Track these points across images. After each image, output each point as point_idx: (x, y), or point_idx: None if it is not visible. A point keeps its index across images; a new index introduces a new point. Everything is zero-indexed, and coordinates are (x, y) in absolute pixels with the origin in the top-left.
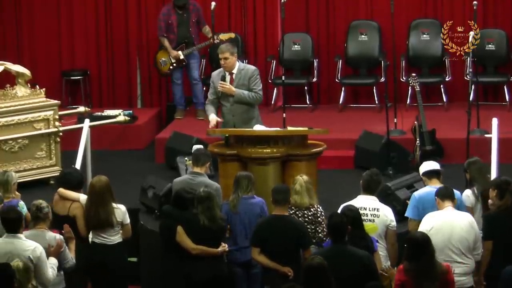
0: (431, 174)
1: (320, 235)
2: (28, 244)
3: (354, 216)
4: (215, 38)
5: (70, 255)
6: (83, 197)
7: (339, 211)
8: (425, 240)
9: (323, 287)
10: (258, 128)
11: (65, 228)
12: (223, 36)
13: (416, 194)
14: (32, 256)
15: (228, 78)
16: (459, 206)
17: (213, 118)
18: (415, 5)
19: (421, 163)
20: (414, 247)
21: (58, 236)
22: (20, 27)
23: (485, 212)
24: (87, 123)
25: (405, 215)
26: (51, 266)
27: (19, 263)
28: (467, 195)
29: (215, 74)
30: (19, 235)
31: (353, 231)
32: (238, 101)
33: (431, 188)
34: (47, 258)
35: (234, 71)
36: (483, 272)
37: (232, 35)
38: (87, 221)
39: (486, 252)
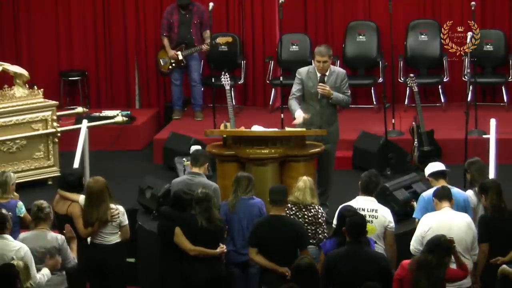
0: (438, 175)
1: (320, 236)
2: (14, 245)
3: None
4: (213, 41)
5: (72, 255)
6: (81, 198)
7: (337, 212)
8: (440, 238)
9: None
10: (256, 128)
11: (66, 228)
12: (221, 40)
13: (425, 195)
14: (16, 256)
15: (319, 79)
16: (467, 206)
17: (300, 115)
18: (413, 6)
19: (419, 164)
20: (430, 242)
21: (60, 237)
22: (18, 28)
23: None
24: (85, 124)
25: (413, 216)
26: (42, 274)
27: (19, 263)
28: (469, 195)
29: (303, 72)
30: (5, 235)
31: None
32: (333, 103)
33: None
34: (44, 267)
35: (326, 73)
36: (479, 274)
37: (230, 39)
38: (85, 221)
39: (482, 255)
